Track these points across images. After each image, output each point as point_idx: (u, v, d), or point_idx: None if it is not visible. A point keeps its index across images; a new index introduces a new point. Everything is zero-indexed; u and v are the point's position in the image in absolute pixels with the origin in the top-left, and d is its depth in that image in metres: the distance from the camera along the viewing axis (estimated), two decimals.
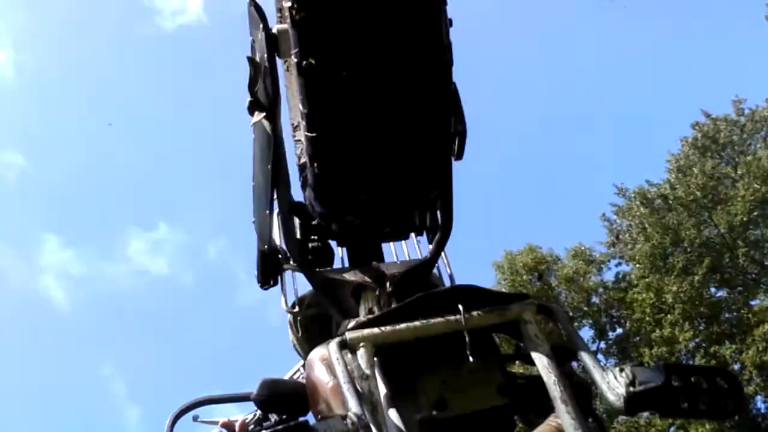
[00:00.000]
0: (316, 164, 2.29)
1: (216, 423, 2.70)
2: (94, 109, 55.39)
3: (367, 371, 1.85)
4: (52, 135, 53.51)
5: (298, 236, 2.63)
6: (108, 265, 46.21)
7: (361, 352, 1.90)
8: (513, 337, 2.06)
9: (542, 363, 1.89)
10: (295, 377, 2.98)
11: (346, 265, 2.73)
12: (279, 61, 2.54)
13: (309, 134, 2.24)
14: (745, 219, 23.03)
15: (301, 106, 2.22)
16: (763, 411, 23.50)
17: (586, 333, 26.63)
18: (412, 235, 2.82)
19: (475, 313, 1.97)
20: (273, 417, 2.41)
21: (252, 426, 2.61)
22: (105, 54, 50.63)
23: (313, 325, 2.86)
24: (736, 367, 23.02)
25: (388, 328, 1.94)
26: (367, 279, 2.40)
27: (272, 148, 2.37)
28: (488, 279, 27.48)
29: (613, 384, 1.80)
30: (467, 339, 1.89)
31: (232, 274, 50.83)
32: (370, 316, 2.09)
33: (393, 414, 1.87)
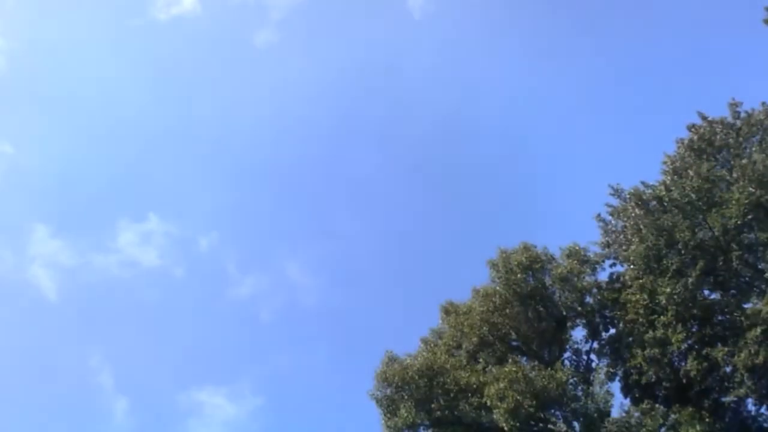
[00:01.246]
0: None
1: None
2: (85, 99, 54.86)
3: None
4: (42, 124, 52.92)
5: None
6: (97, 256, 45.86)
7: None
8: None
9: None
10: None
11: None
12: None
13: None
14: (739, 222, 23.06)
15: None
16: (753, 413, 23.65)
17: (579, 333, 26.75)
18: None
19: None
20: None
21: None
22: (97, 44, 50.06)
23: None
24: (728, 369, 23.16)
25: None
26: None
27: None
28: (482, 277, 27.54)
29: None
30: None
31: (223, 267, 50.52)
32: None
33: None
